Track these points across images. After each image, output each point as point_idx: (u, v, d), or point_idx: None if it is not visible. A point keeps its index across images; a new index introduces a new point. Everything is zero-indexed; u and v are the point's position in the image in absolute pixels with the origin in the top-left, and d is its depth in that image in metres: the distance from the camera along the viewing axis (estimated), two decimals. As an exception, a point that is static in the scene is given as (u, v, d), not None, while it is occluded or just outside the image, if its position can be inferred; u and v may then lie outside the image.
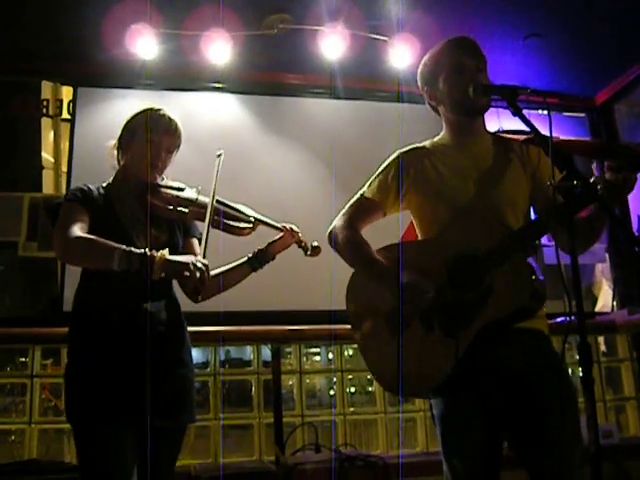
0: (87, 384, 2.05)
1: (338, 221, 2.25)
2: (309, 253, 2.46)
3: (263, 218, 2.42)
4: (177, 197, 2.30)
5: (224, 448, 3.58)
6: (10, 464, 3.30)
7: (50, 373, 3.81)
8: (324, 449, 3.53)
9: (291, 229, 2.45)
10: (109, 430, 2.00)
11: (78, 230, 2.08)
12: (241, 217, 2.38)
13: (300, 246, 2.47)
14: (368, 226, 2.26)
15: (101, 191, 2.27)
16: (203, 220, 2.26)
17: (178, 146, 2.34)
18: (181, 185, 2.36)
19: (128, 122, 2.34)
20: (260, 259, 2.42)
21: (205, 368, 3.87)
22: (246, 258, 2.42)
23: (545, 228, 1.99)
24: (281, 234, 2.44)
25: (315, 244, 2.46)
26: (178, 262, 2.06)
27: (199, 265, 2.06)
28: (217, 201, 2.34)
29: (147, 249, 2.04)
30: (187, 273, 2.04)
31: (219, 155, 2.43)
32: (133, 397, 2.04)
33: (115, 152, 2.35)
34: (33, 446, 3.50)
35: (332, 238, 2.24)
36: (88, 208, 2.17)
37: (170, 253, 2.11)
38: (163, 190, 2.30)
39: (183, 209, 2.28)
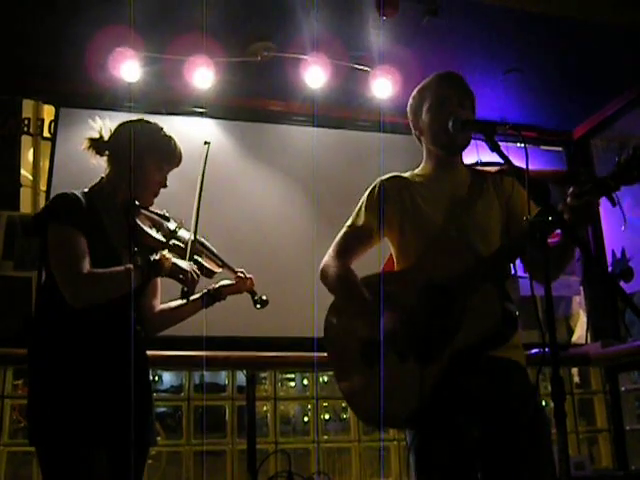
0: (66, 406, 1.98)
1: (328, 257, 2.26)
2: (258, 306, 2.52)
3: (229, 264, 2.48)
4: (163, 226, 2.31)
5: (196, 474, 3.54)
6: (-23, 487, 3.24)
7: (21, 394, 3.75)
8: (297, 477, 3.51)
9: (249, 278, 2.52)
10: (87, 455, 1.95)
11: (86, 264, 2.02)
12: (214, 260, 2.43)
13: (253, 297, 2.53)
14: (360, 256, 2.27)
15: (84, 199, 2.16)
16: (179, 255, 2.27)
17: None
18: (166, 213, 2.36)
19: (129, 135, 2.26)
20: (214, 297, 2.47)
21: (179, 393, 3.84)
22: (199, 295, 2.43)
23: (514, 255, 2.03)
24: (236, 280, 2.50)
25: (264, 298, 2.53)
26: (181, 267, 2.18)
27: (195, 274, 2.21)
28: (197, 241, 2.36)
29: (155, 255, 2.11)
30: (182, 277, 2.18)
31: (206, 143, 2.44)
32: (112, 419, 2.00)
33: (105, 159, 2.29)
34: (1, 469, 3.44)
35: (322, 275, 2.25)
36: (80, 227, 2.07)
37: (144, 284, 2.19)
38: (152, 217, 2.30)
39: (169, 241, 2.27)
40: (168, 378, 3.97)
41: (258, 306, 2.52)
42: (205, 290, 2.46)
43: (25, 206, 4.49)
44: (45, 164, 4.47)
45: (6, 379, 3.62)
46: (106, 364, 2.05)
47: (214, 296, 2.47)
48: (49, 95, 4.53)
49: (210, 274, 2.40)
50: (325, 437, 3.91)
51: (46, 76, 4.34)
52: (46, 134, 4.57)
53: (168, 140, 2.31)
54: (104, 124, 2.33)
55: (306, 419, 4.09)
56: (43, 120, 4.61)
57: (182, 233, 2.34)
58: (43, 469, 2.00)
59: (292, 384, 4.32)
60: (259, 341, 4.01)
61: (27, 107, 4.62)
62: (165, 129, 2.33)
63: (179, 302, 2.39)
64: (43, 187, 4.41)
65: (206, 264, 2.37)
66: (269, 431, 3.84)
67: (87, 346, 2.04)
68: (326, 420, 4.06)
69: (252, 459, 3.66)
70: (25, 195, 4.49)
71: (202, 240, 2.42)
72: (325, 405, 4.06)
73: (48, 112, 4.59)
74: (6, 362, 3.63)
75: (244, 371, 3.85)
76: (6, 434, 3.53)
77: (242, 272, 2.51)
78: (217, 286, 2.49)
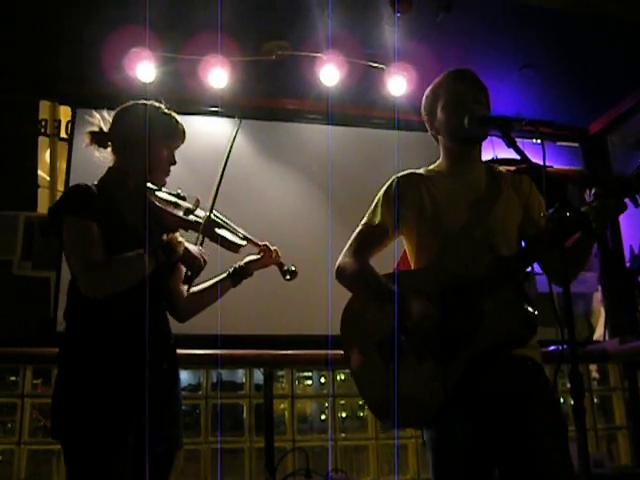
0: (92, 403, 1.96)
1: (344, 256, 2.23)
2: (288, 277, 2.44)
3: (250, 237, 2.41)
4: (180, 205, 2.27)
5: (214, 472, 3.56)
6: (-2, 485, 3.28)
7: (40, 393, 3.78)
8: (315, 474, 3.51)
9: (275, 250, 2.45)
10: (113, 452, 1.93)
11: (100, 254, 2.01)
12: (236, 233, 2.37)
13: (281, 269, 2.46)
14: (375, 256, 2.24)
15: (97, 190, 2.13)
16: (197, 231, 2.24)
17: None
18: (181, 193, 2.33)
19: (129, 120, 2.24)
20: (241, 275, 2.42)
21: (197, 391, 3.86)
22: (226, 274, 2.41)
23: (534, 256, 2.01)
24: (261, 254, 2.44)
25: (293, 268, 2.45)
26: (192, 252, 2.17)
27: (204, 260, 2.21)
28: (215, 216, 2.31)
29: (165, 236, 2.11)
30: (191, 262, 2.18)
31: (240, 117, 2.41)
32: (138, 418, 1.96)
33: (109, 150, 2.27)
34: (22, 467, 3.47)
35: (339, 274, 2.22)
36: (94, 217, 2.04)
37: (168, 271, 2.19)
38: (169, 197, 2.27)
39: (188, 217, 2.24)
40: (186, 377, 3.98)
41: (288, 277, 2.44)
42: (231, 268, 2.42)
43: (43, 207, 4.53)
44: (62, 165, 4.51)
45: (26, 378, 3.65)
46: (133, 359, 2.01)
47: (241, 273, 2.42)
48: (66, 96, 4.57)
49: (236, 248, 2.31)
50: (342, 435, 3.91)
51: (62, 77, 4.38)
52: (63, 135, 4.61)
53: (168, 117, 2.27)
54: (102, 116, 2.31)
55: (323, 417, 4.10)
56: (60, 121, 4.65)
57: (199, 212, 2.29)
58: (70, 463, 1.97)
59: (309, 382, 4.32)
60: (276, 339, 4.02)
61: (44, 108, 4.66)
62: (163, 107, 2.29)
63: (207, 284, 2.38)
64: (60, 188, 4.45)
65: (230, 237, 2.31)
66: (286, 429, 3.85)
67: (115, 340, 2.02)
68: (343, 418, 4.06)
69: (270, 457, 3.67)
70: (43, 196, 4.53)
71: (220, 215, 2.35)
72: (342, 403, 4.06)
73: (65, 113, 4.63)
74: (25, 361, 3.66)
75: (261, 369, 3.86)
76: (26, 432, 3.56)
77: (266, 244, 2.45)
78: (243, 263, 2.44)
